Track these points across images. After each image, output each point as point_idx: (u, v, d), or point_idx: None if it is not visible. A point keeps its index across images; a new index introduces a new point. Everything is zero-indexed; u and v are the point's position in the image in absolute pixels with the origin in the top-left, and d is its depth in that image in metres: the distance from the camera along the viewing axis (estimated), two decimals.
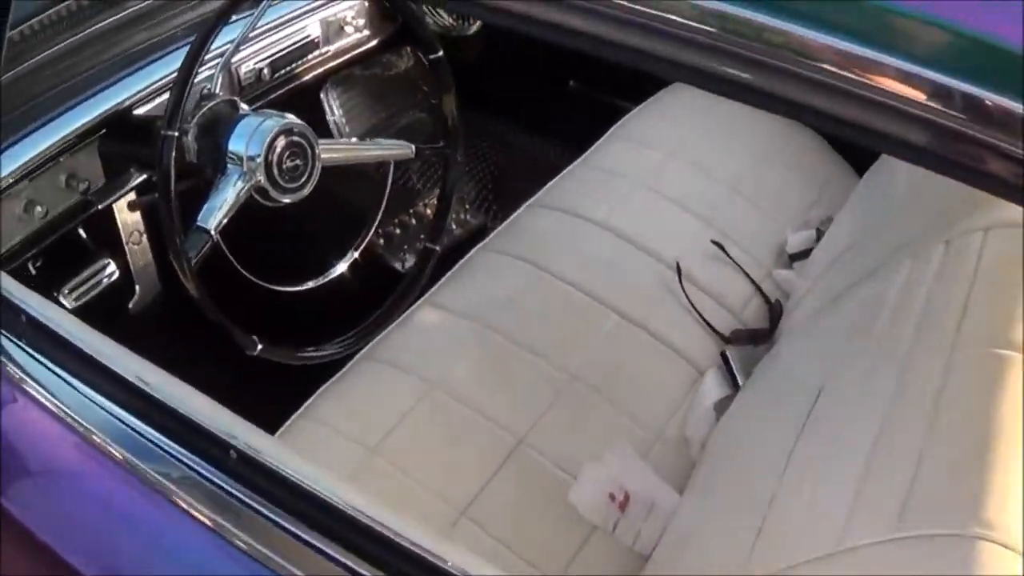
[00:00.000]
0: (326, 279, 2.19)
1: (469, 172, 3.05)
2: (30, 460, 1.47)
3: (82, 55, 1.96)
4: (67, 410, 1.39)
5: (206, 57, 1.78)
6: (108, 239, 2.04)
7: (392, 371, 1.88)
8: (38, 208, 1.83)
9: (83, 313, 1.94)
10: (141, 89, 1.92)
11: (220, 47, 1.92)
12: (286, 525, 1.21)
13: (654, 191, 2.24)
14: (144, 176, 1.92)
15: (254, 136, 1.75)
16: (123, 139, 1.89)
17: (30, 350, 1.45)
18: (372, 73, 3.09)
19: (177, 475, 1.29)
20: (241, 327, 1.80)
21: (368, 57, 2.46)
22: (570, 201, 2.23)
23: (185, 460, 1.29)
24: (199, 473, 1.28)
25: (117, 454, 1.34)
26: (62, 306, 1.94)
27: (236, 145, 1.76)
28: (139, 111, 1.91)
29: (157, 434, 1.32)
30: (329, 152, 1.89)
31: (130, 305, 2.14)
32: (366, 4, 2.34)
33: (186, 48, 1.80)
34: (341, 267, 2.23)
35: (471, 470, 1.74)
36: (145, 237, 2.14)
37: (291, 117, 1.81)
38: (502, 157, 3.13)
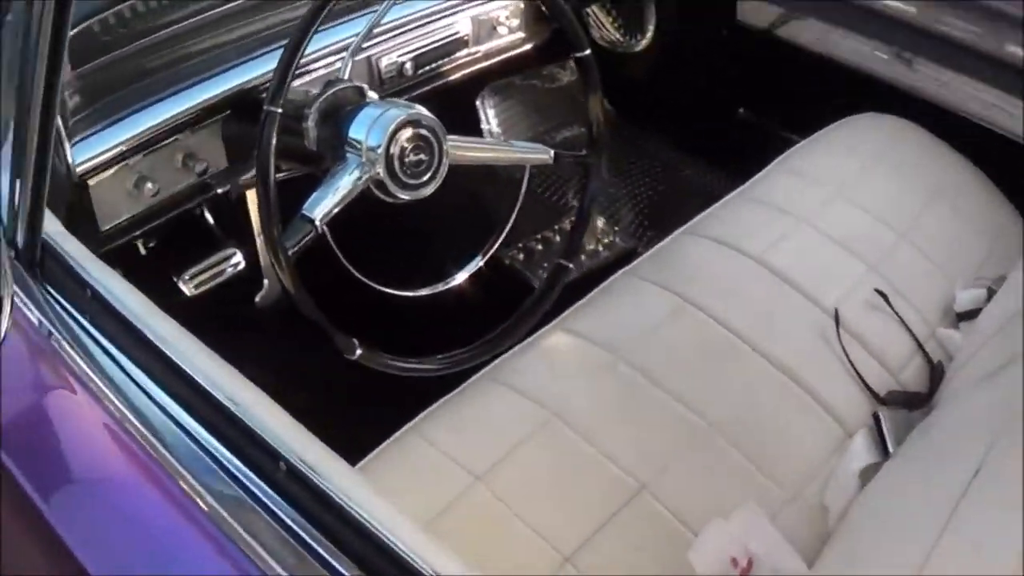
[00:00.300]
0: (445, 287, 2.03)
1: (625, 193, 2.92)
2: (70, 451, 1.39)
3: (212, 32, 1.88)
4: (116, 399, 1.30)
5: (336, 45, 1.68)
6: (237, 227, 1.96)
7: (513, 395, 1.75)
8: (148, 185, 1.74)
9: (203, 301, 1.87)
10: (269, 70, 1.78)
11: (348, 37, 1.84)
12: (328, 559, 1.09)
13: (817, 229, 2.08)
14: None
15: (376, 124, 1.62)
16: (249, 122, 1.76)
17: (91, 328, 1.36)
18: (532, 84, 3.00)
19: (221, 487, 1.19)
20: (342, 329, 1.67)
21: (521, 62, 2.33)
22: (726, 232, 2.08)
23: (233, 470, 1.19)
24: (244, 486, 1.18)
25: (162, 455, 1.25)
26: (180, 292, 1.86)
27: (357, 132, 1.64)
28: None
29: (209, 437, 1.23)
30: (459, 149, 1.74)
31: (257, 299, 2.06)
32: (521, 5, 2.21)
33: (325, 33, 1.70)
34: (462, 276, 2.06)
35: (584, 512, 1.60)
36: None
37: (419, 108, 1.68)
38: (661, 181, 2.99)
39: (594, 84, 1.92)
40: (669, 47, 2.99)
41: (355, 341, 1.67)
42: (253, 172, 1.75)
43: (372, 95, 1.76)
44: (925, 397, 1.85)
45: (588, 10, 3.02)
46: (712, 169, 3.02)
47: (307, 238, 1.61)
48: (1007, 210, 2.32)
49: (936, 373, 1.89)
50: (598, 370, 1.79)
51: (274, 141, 1.56)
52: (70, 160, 1.65)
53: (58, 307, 1.42)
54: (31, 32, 1.28)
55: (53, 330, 1.42)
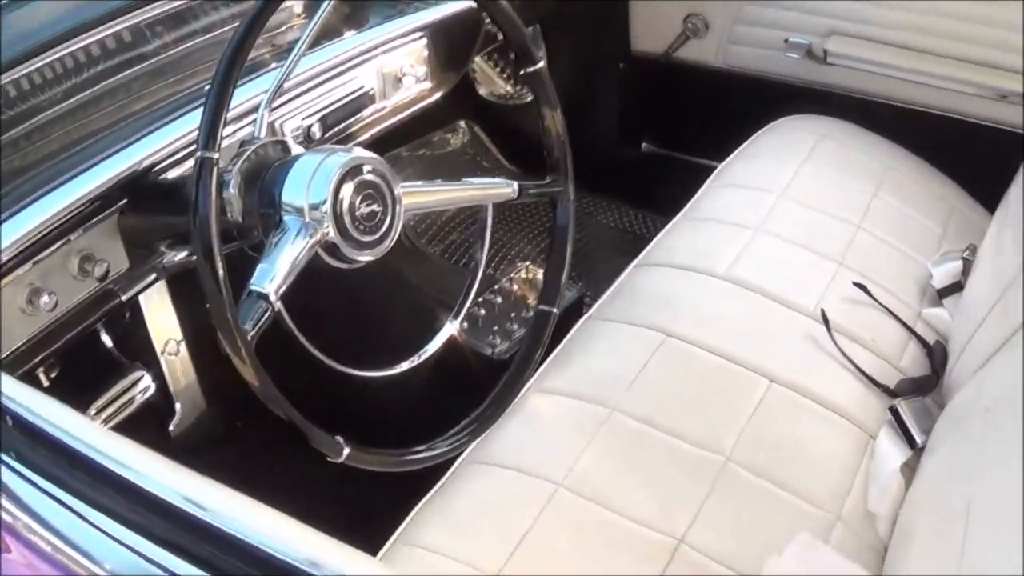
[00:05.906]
0: (421, 360, 1.67)
1: (543, 250, 2.76)
2: None
3: (95, 111, 1.63)
4: (75, 553, 0.98)
5: (244, 105, 1.48)
6: (140, 346, 1.73)
7: (505, 474, 1.56)
8: (45, 298, 1.44)
9: None
10: (165, 146, 1.54)
11: (255, 95, 1.60)
12: None
13: (775, 235, 1.96)
14: (178, 254, 1.56)
15: (315, 177, 1.37)
16: (148, 209, 1.51)
17: (21, 469, 1.03)
18: (421, 154, 2.84)
19: None
20: (321, 427, 1.38)
21: (430, 114, 2.12)
22: (683, 257, 1.94)
23: None
24: None
25: None
26: None
27: (292, 192, 1.38)
28: (166, 176, 1.54)
29: None
30: (413, 195, 1.51)
31: (171, 427, 1.83)
32: (426, 52, 2.01)
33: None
34: (437, 343, 1.69)
35: None
36: (183, 346, 1.80)
37: (359, 150, 1.43)
38: (578, 229, 2.85)
39: (550, 100, 1.71)
40: (563, 92, 2.87)
41: (339, 439, 1.39)
42: (154, 275, 1.53)
43: (298, 148, 1.51)
44: (934, 379, 1.75)
45: (473, 66, 2.89)
46: (627, 209, 2.93)
47: (265, 318, 1.34)
48: (947, 184, 2.26)
49: (936, 354, 1.80)
50: (593, 427, 1.61)
51: (214, 195, 1.28)
52: None
53: None
54: None
55: None
